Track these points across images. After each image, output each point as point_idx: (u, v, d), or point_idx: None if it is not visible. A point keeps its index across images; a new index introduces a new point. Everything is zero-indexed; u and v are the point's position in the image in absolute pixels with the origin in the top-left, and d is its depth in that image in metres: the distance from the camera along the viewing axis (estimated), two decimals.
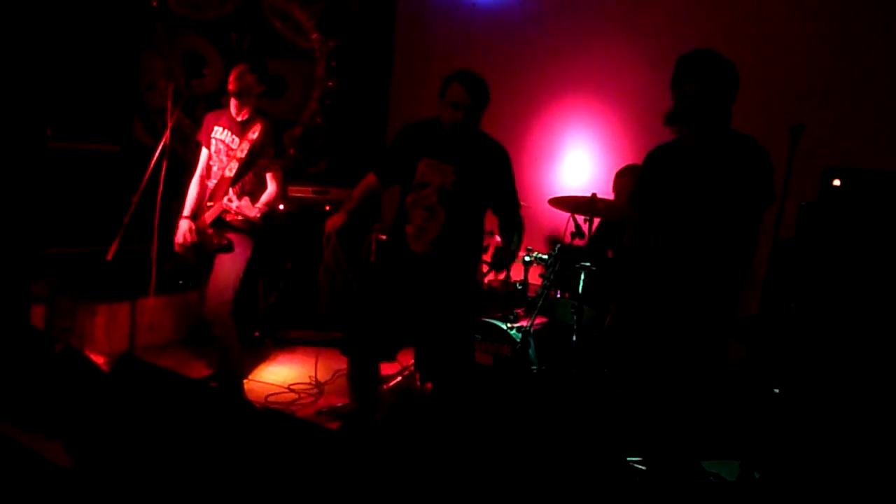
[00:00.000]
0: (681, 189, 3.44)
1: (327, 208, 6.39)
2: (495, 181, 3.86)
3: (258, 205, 4.71)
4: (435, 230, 3.87)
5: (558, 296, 4.99)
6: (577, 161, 6.33)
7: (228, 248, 4.72)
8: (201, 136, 4.95)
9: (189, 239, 4.79)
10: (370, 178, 4.22)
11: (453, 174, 3.84)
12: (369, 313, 3.99)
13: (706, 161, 3.39)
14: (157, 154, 4.44)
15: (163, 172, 4.48)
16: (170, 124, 4.55)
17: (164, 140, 4.47)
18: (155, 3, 6.87)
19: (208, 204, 4.79)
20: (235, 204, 4.64)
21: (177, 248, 4.84)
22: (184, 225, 4.83)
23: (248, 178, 4.67)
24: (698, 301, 3.42)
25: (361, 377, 4.06)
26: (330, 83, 7.20)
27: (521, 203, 4.29)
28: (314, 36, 7.11)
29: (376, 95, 7.43)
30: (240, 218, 4.72)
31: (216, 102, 5.21)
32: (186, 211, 4.88)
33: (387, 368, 5.02)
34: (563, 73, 6.32)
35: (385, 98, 7.45)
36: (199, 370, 5.41)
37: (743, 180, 3.31)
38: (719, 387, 4.37)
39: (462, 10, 6.93)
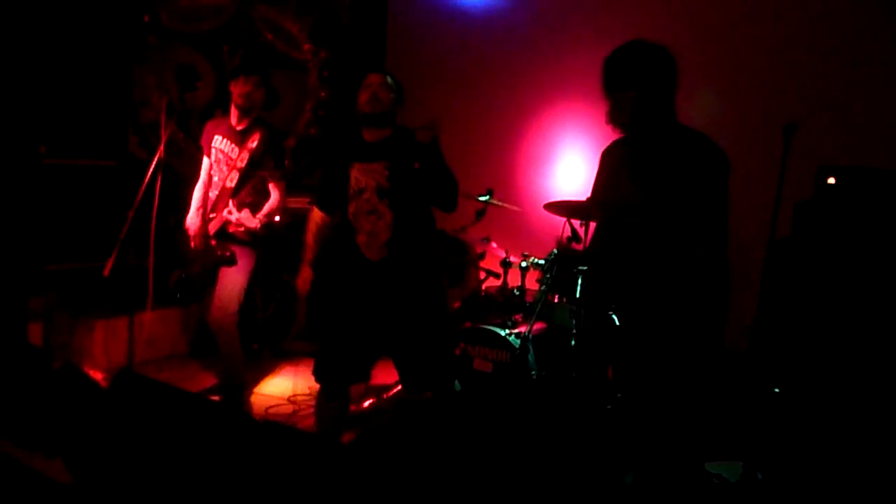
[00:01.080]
0: (629, 188, 3.32)
1: None
2: (431, 162, 3.76)
3: (259, 215, 4.70)
4: (386, 232, 3.80)
5: (556, 301, 4.99)
6: (571, 166, 6.33)
7: (231, 260, 4.71)
8: (202, 143, 4.96)
9: (201, 234, 4.78)
10: (316, 216, 4.13)
11: (385, 169, 3.79)
12: (337, 338, 3.94)
13: (659, 162, 3.25)
14: (151, 168, 4.43)
15: (158, 186, 4.47)
16: (164, 138, 4.54)
17: (158, 154, 4.46)
18: (147, 18, 6.88)
19: (211, 215, 4.79)
20: (235, 216, 4.63)
21: (191, 251, 4.82)
22: (190, 220, 4.86)
23: (246, 190, 4.66)
24: (649, 307, 3.30)
25: (330, 401, 4.02)
26: (322, 94, 7.20)
27: (518, 209, 4.23)
28: (306, 47, 7.12)
29: None
30: (241, 229, 4.71)
31: (210, 115, 5.21)
32: (192, 211, 4.90)
33: (383, 378, 5.01)
34: (556, 79, 6.34)
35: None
36: (199, 384, 5.40)
37: (696, 188, 3.14)
38: (719, 387, 4.36)
39: (453, 18, 6.94)
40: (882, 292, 3.93)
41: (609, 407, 4.15)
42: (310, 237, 4.14)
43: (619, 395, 3.83)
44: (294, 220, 6.34)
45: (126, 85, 6.91)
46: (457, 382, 4.19)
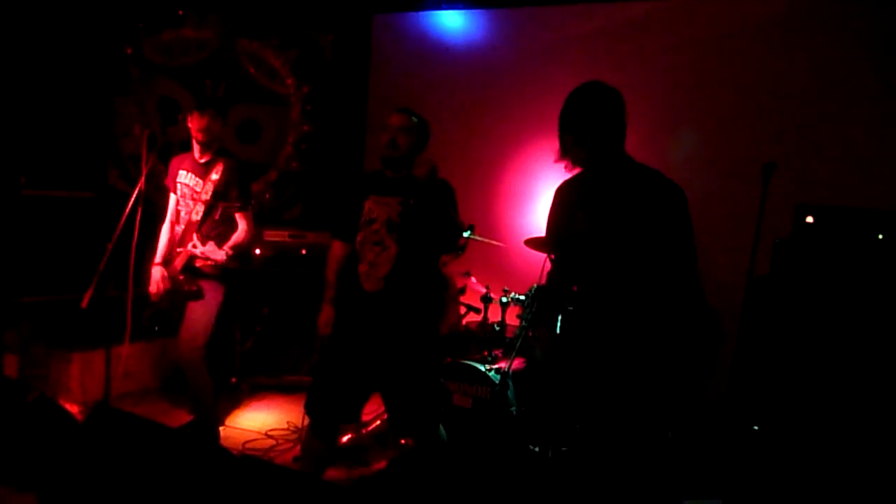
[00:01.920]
0: (593, 227, 3.29)
1: (303, 252, 6.38)
2: (440, 208, 3.81)
3: (225, 247, 4.69)
4: (387, 265, 3.82)
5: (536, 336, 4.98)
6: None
7: (197, 295, 4.68)
8: (168, 182, 4.96)
9: (162, 287, 4.76)
10: (336, 249, 4.11)
11: (399, 204, 3.82)
12: (330, 371, 3.93)
13: (616, 196, 3.25)
14: (132, 201, 4.42)
15: (138, 219, 4.45)
16: (145, 171, 4.53)
17: (139, 186, 4.45)
18: (130, 51, 6.90)
19: (178, 250, 4.76)
20: (200, 250, 4.60)
21: (151, 297, 4.80)
22: (156, 273, 4.81)
23: (209, 222, 4.66)
24: (629, 342, 3.26)
25: (318, 438, 3.99)
26: (305, 128, 7.23)
27: (500, 244, 4.25)
28: (289, 81, 7.16)
29: (351, 139, 7.47)
30: (210, 263, 4.69)
31: (189, 149, 5.21)
32: (158, 258, 4.87)
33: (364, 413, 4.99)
34: (536, 114, 6.38)
35: (360, 142, 7.48)
36: (176, 418, 5.34)
37: (661, 218, 3.16)
38: (699, 425, 4.36)
39: (435, 54, 6.99)
40: (859, 329, 3.96)
41: (564, 449, 4.13)
42: (330, 273, 4.09)
43: (577, 427, 3.79)
44: (275, 253, 6.36)
45: (107, 117, 6.91)
46: (442, 429, 4.17)
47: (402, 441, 4.95)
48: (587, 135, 3.20)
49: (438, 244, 3.96)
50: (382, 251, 3.82)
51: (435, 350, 4.13)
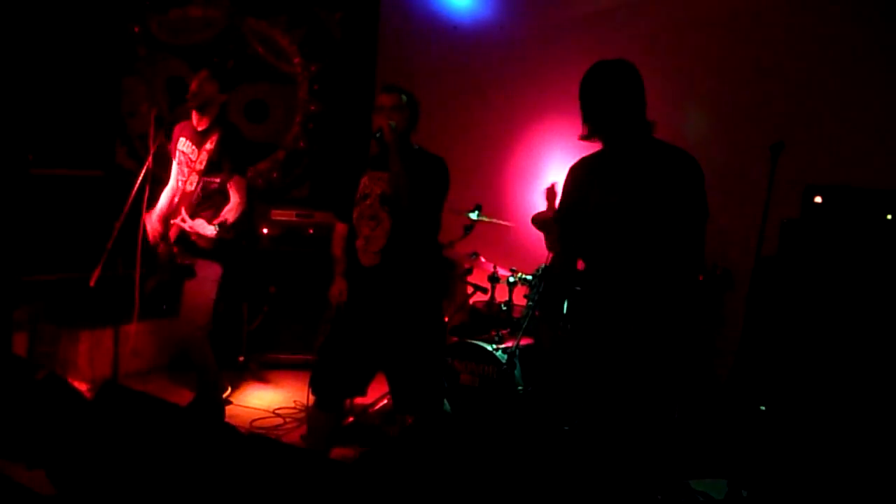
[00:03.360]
0: (607, 202, 3.27)
1: (311, 231, 6.38)
2: (429, 187, 3.84)
3: (216, 221, 4.60)
4: (382, 238, 3.84)
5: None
6: (559, 182, 6.33)
7: (190, 272, 4.64)
8: (171, 147, 4.89)
9: (159, 230, 4.69)
10: (339, 228, 4.14)
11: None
12: (333, 346, 3.95)
13: (632, 172, 3.23)
14: (139, 179, 4.42)
15: (146, 197, 4.46)
16: (152, 149, 4.52)
17: (146, 165, 4.44)
18: (137, 29, 6.88)
19: (172, 222, 4.70)
20: (188, 224, 4.55)
21: (151, 242, 4.71)
22: (149, 219, 4.71)
23: (195, 199, 4.63)
24: (640, 320, 3.24)
25: (323, 413, 4.00)
26: (312, 107, 7.21)
27: (508, 223, 4.25)
28: (296, 60, 7.14)
29: (359, 118, 7.44)
30: (202, 240, 4.62)
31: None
32: (154, 214, 4.76)
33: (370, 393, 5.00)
34: (544, 94, 6.35)
35: (367, 121, 7.43)
36: (185, 397, 5.37)
37: (677, 194, 3.15)
38: (706, 405, 4.36)
39: (443, 33, 6.95)
40: (867, 310, 3.95)
41: (567, 428, 4.14)
42: (337, 250, 4.13)
43: (580, 413, 3.79)
44: (283, 232, 6.37)
45: (115, 95, 6.91)
46: (446, 402, 4.18)
47: (408, 419, 4.97)
48: (603, 117, 3.20)
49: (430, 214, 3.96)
50: (377, 225, 3.84)
51: (436, 325, 4.14)
